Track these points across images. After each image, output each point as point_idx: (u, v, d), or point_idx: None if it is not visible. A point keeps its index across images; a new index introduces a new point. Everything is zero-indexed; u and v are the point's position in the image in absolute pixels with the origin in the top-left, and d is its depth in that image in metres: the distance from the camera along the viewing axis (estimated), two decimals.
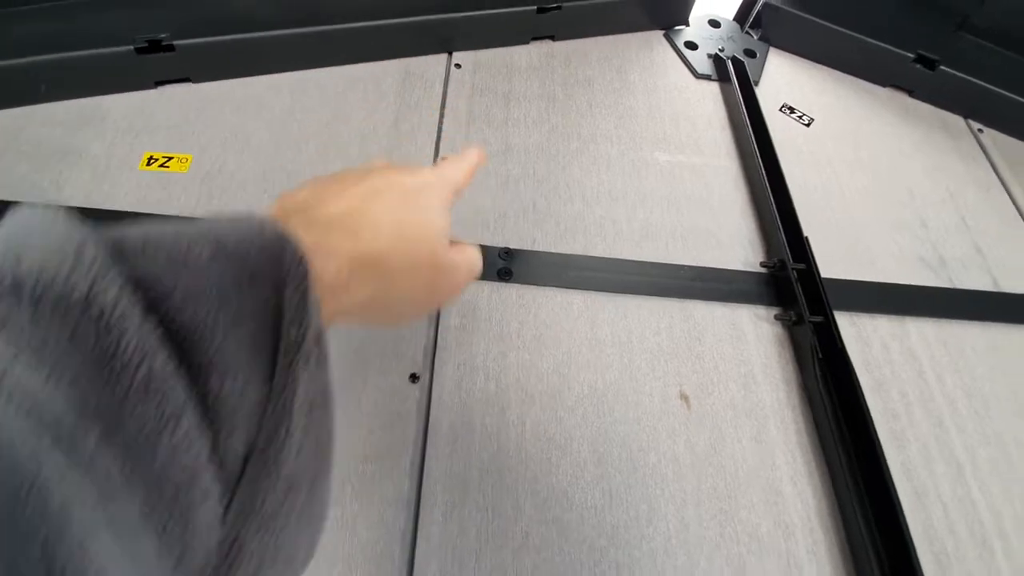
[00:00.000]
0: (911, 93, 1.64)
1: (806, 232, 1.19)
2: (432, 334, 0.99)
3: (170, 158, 1.11)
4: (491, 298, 1.05)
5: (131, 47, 1.15)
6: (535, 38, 1.52)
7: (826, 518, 0.90)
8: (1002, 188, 1.48)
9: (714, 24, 1.70)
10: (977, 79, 1.55)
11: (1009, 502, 0.96)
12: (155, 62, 1.19)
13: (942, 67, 1.55)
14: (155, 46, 1.16)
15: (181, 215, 1.02)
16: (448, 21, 1.37)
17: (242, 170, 1.15)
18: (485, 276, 1.06)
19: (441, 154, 1.26)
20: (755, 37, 1.68)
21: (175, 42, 1.17)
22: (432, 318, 1.01)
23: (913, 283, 1.25)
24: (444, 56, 1.44)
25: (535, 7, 1.44)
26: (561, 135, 1.35)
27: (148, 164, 1.09)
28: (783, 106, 1.54)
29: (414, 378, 0.92)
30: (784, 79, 1.62)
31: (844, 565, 0.85)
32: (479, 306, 1.04)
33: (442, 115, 1.33)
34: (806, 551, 0.86)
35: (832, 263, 1.23)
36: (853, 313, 1.17)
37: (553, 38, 1.54)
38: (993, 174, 1.51)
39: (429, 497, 0.82)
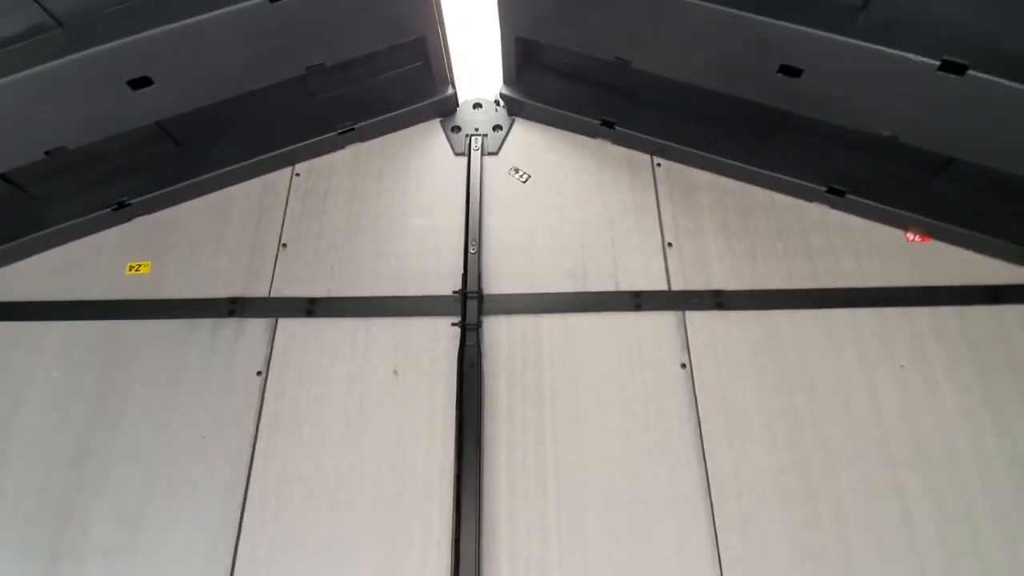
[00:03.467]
0: (613, 141, 2.35)
1: (495, 262, 2.05)
2: None
3: None
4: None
5: None
6: (348, 143, 2.37)
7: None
8: (655, 211, 2.22)
9: (477, 106, 2.46)
10: (649, 135, 2.23)
11: (570, 455, 1.84)
12: None
13: (618, 127, 2.25)
14: None
15: None
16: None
17: None
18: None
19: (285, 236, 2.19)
20: (505, 113, 2.43)
21: None
22: None
23: (557, 291, 2.07)
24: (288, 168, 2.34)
25: (339, 131, 2.28)
26: (358, 215, 2.24)
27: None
28: (511, 168, 2.32)
29: None
30: (520, 144, 2.38)
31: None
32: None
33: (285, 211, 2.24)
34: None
35: (509, 282, 2.08)
36: (511, 315, 2.03)
37: (361, 140, 2.38)
38: (654, 199, 2.24)
39: None
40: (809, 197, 2.17)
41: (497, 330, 2.01)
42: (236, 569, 1.69)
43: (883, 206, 2.08)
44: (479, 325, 1.98)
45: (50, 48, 1.65)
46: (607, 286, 2.08)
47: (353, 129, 2.30)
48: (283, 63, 1.99)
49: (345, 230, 2.22)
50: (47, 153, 1.87)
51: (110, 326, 2.04)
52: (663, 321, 2.00)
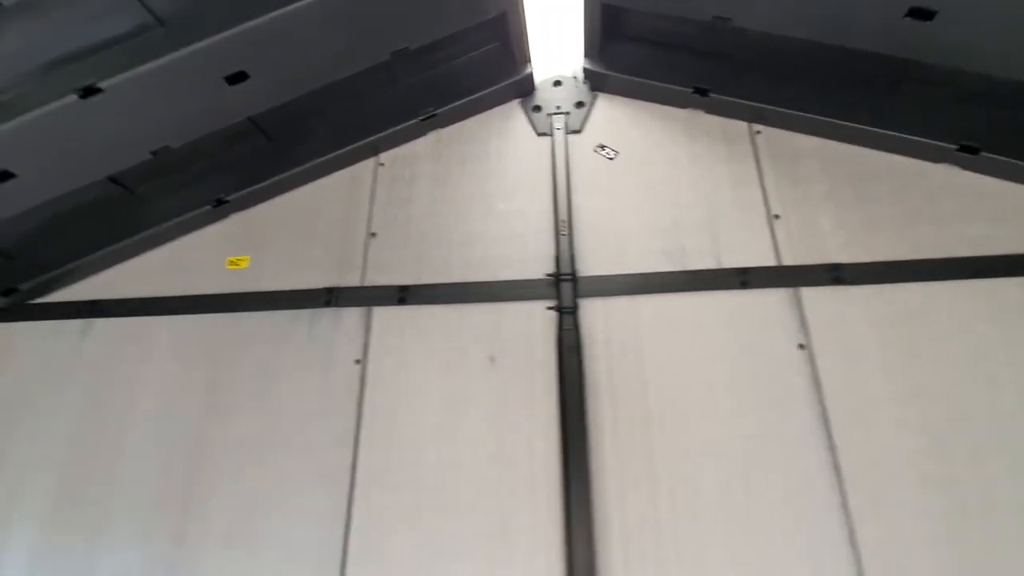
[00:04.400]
0: (706, 110, 2.21)
1: (587, 243, 1.98)
2: None
3: None
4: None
5: None
6: (430, 130, 2.34)
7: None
8: (757, 182, 2.07)
9: (557, 84, 2.37)
10: (746, 100, 2.09)
11: (679, 442, 1.76)
12: None
13: (712, 94, 2.11)
14: None
15: None
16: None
17: None
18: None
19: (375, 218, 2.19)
20: (588, 89, 2.33)
21: None
22: None
23: (653, 270, 1.97)
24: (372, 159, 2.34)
25: (421, 118, 2.25)
26: (443, 201, 2.21)
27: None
28: (597, 145, 2.23)
29: None
30: (605, 120, 2.28)
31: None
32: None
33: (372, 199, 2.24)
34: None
35: (603, 263, 1.99)
36: (606, 297, 1.94)
37: (441, 126, 2.35)
38: (755, 171, 2.09)
39: None
40: (935, 157, 1.96)
41: (593, 313, 1.93)
42: (348, 556, 1.70)
43: None
44: (575, 308, 1.91)
45: (154, 47, 1.69)
46: (708, 264, 1.96)
47: (435, 115, 2.27)
48: (370, 48, 1.98)
49: (431, 217, 2.19)
50: (153, 153, 1.94)
51: (215, 320, 2.11)
52: (774, 299, 1.86)
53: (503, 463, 1.77)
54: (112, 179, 2.07)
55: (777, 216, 1.99)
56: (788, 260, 1.91)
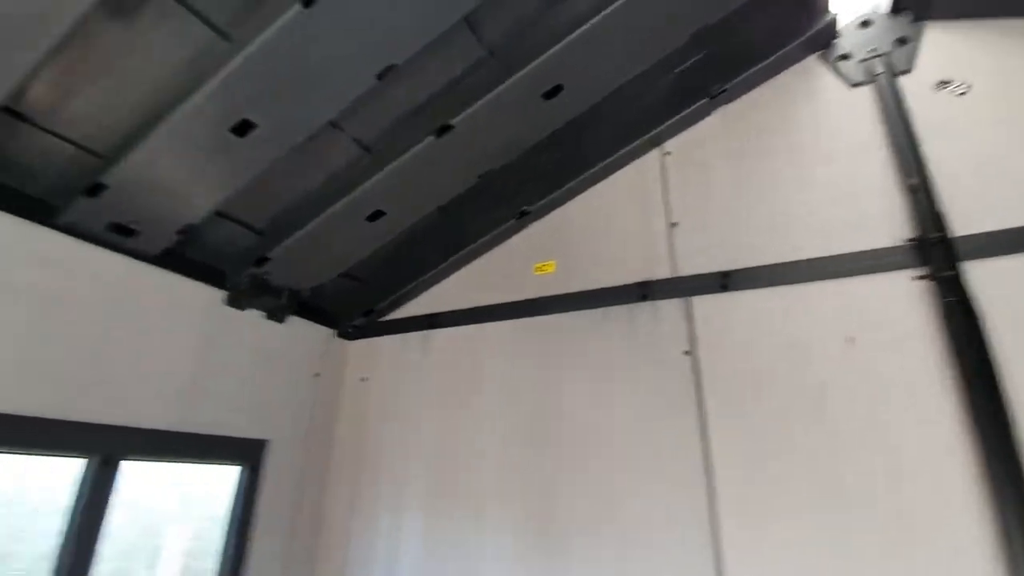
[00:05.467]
0: None
1: (951, 198, 1.69)
2: None
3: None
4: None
5: None
6: (715, 109, 2.24)
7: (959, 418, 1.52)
8: None
9: (865, 25, 2.08)
10: None
11: None
12: None
13: None
14: None
15: None
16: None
17: None
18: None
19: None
20: (908, 21, 2.00)
21: None
22: None
23: None
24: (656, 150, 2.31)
25: (711, 96, 2.16)
26: (746, 179, 2.08)
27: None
28: (939, 83, 1.89)
29: None
30: (942, 53, 1.92)
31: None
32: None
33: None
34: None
35: (976, 218, 1.67)
36: (993, 258, 1.61)
37: (728, 102, 2.23)
38: None
39: None
40: None
41: (980, 277, 1.61)
42: (722, 549, 1.66)
43: None
44: (956, 274, 1.62)
45: (487, 79, 1.87)
46: None
47: (724, 91, 2.16)
48: (666, 35, 1.95)
49: (737, 197, 2.08)
50: (480, 177, 2.17)
51: (533, 323, 2.27)
52: None
53: (888, 452, 1.57)
54: (442, 209, 2.36)
55: None
56: None
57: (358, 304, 2.64)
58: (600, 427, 1.99)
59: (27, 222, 1.64)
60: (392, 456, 2.35)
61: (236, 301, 2.18)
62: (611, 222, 2.29)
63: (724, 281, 1.96)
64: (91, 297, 1.77)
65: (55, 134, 1.57)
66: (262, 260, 2.15)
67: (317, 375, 2.54)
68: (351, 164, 2.01)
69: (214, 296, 2.14)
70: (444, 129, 1.91)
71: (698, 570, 1.67)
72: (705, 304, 1.98)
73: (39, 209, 1.67)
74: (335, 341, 2.67)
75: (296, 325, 2.46)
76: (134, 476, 1.80)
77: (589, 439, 2.00)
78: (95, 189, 1.65)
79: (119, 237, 1.81)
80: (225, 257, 2.13)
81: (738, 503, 1.69)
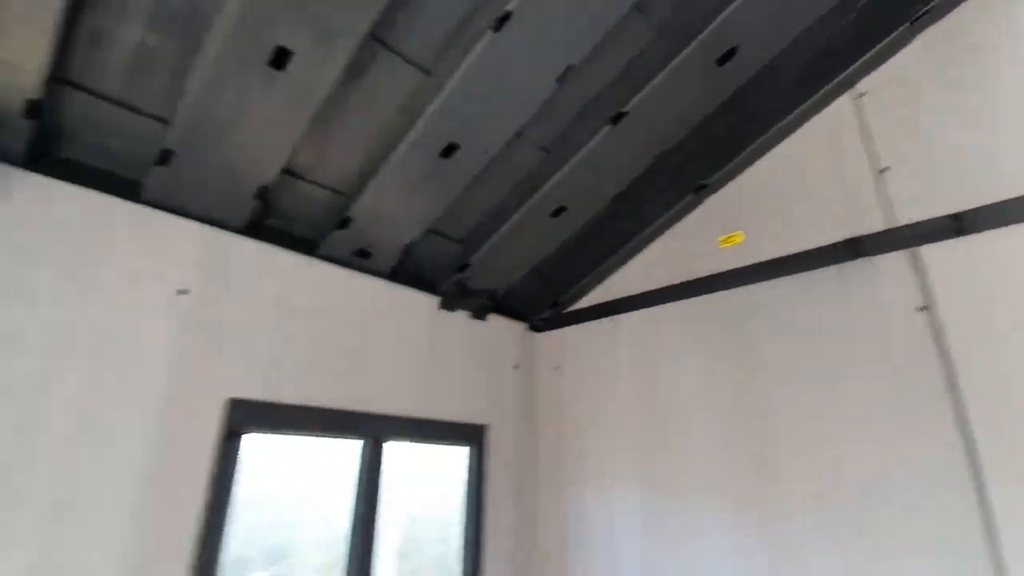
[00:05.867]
0: None
1: None
2: None
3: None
4: None
5: None
6: (916, 34, 1.98)
7: None
8: None
9: None
10: None
11: None
12: None
13: None
14: None
15: None
16: None
17: None
18: None
19: None
20: None
21: None
22: None
23: None
24: None
25: (911, 21, 1.93)
26: (976, 107, 1.81)
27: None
28: None
29: None
30: None
31: None
32: None
33: None
34: None
35: None
36: None
37: (932, 22, 1.96)
38: None
39: None
40: None
41: None
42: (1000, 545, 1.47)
43: None
44: None
45: (659, 56, 1.90)
46: None
47: (926, 11, 1.91)
48: None
49: (958, 127, 1.82)
50: (656, 158, 2.21)
51: (725, 296, 2.23)
52: None
53: None
54: (620, 195, 2.43)
55: None
56: None
57: (544, 298, 2.83)
58: (817, 394, 1.88)
59: (300, 255, 2.09)
60: (594, 437, 2.47)
61: (448, 304, 2.50)
62: (803, 180, 2.14)
63: (957, 224, 1.73)
64: (347, 311, 2.17)
65: (315, 183, 1.97)
66: (464, 266, 2.43)
67: (516, 367, 2.77)
68: (533, 167, 2.18)
69: (431, 302, 2.47)
70: (619, 117, 1.98)
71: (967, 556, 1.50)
72: (936, 253, 1.76)
73: (305, 245, 2.11)
74: (528, 335, 2.89)
75: (495, 322, 2.73)
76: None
77: (805, 408, 1.90)
78: (344, 223, 2.04)
79: (360, 260, 2.20)
80: (435, 267, 2.45)
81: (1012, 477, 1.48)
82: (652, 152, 2.19)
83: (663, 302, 2.44)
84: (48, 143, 1.59)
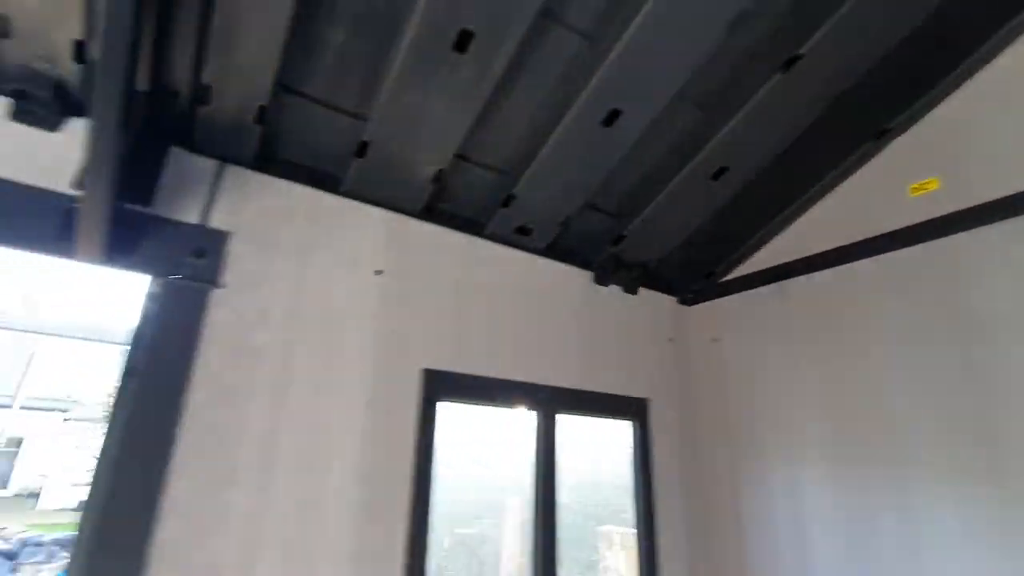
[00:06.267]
0: None
1: None
2: None
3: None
4: None
5: None
6: None
7: None
8: None
9: None
10: None
11: None
12: None
13: None
14: None
15: None
16: None
17: None
18: None
19: None
20: None
21: None
22: None
23: None
24: None
25: None
26: None
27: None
28: None
29: None
30: None
31: None
32: None
33: None
34: None
35: None
36: None
37: None
38: None
39: None
40: None
41: None
42: None
43: None
44: None
45: None
46: None
47: None
48: None
49: None
50: (832, 102, 2.04)
51: (923, 250, 2.00)
52: None
53: None
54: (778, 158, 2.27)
55: None
56: None
57: (695, 270, 2.73)
58: None
59: (468, 235, 2.20)
60: (767, 409, 2.34)
61: (601, 279, 2.50)
62: (1010, 114, 1.86)
63: None
64: (511, 287, 2.25)
65: (483, 165, 2.07)
66: (619, 239, 2.41)
67: (671, 340, 2.71)
68: (693, 128, 2.10)
69: (585, 277, 2.49)
70: (791, 62, 1.85)
71: None
72: None
73: (473, 225, 2.22)
74: (678, 308, 2.81)
75: (646, 296, 2.68)
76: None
77: None
78: (508, 200, 2.12)
79: (521, 237, 2.28)
80: (590, 242, 2.46)
81: None
82: (825, 99, 2.02)
83: (843, 262, 2.24)
84: (270, 146, 1.82)
